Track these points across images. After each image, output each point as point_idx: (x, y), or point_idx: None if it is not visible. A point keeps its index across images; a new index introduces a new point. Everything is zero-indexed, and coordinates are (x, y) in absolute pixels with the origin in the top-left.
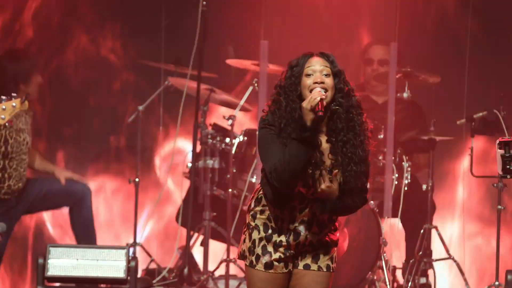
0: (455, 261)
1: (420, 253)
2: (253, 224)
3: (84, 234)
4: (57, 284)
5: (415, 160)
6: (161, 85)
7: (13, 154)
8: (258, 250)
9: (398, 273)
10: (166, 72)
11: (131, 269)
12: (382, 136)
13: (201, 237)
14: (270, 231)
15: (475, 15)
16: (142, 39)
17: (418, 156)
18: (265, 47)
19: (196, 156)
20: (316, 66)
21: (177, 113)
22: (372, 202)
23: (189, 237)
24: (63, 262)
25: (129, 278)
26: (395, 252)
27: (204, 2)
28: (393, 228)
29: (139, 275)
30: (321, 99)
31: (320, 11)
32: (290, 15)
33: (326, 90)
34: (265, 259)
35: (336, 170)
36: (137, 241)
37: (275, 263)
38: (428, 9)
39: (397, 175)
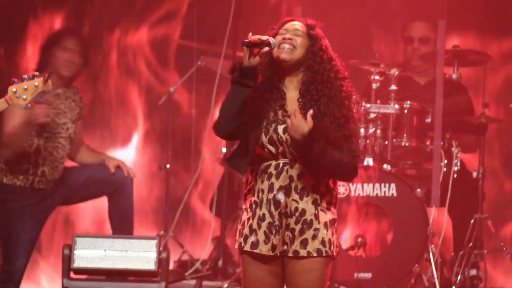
0: (508, 253)
1: (470, 244)
2: (243, 206)
3: (120, 225)
4: (84, 277)
5: (464, 140)
6: (193, 65)
7: (49, 134)
8: (246, 231)
9: (447, 266)
10: (199, 51)
11: (162, 261)
12: (429, 120)
13: (236, 227)
14: (254, 206)
15: None
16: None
17: (468, 136)
18: None
19: (231, 141)
20: (289, 26)
21: (210, 94)
22: (418, 190)
23: (223, 227)
24: (90, 253)
25: (160, 270)
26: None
27: None
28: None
29: (170, 267)
30: (261, 39)
31: None
32: None
33: (294, 47)
34: (251, 238)
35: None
36: (169, 231)
37: (261, 242)
38: None
39: (445, 162)
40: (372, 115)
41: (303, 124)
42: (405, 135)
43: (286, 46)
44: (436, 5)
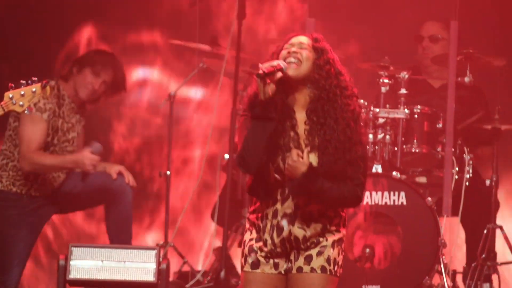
0: None
1: (483, 255)
2: (247, 226)
3: (118, 234)
4: None
5: (477, 152)
6: (195, 67)
7: (57, 148)
8: (246, 250)
9: (459, 278)
10: (201, 53)
11: (161, 272)
12: (440, 125)
13: (239, 237)
14: (257, 229)
15: None
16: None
17: (481, 148)
18: (311, 26)
19: (234, 147)
20: (294, 41)
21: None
22: (429, 198)
23: (226, 237)
24: (86, 263)
25: (159, 282)
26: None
27: None
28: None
29: (170, 278)
30: (273, 66)
31: None
32: None
33: (299, 60)
34: (251, 257)
35: (308, 149)
36: (169, 241)
37: (262, 260)
38: None
39: (457, 169)
40: (381, 120)
41: (300, 164)
42: (415, 141)
43: (291, 59)
44: (448, 6)
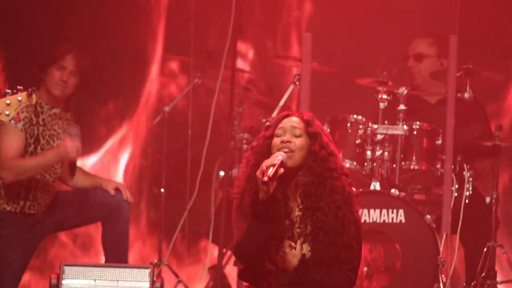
0: None
1: (483, 274)
2: None
3: (114, 251)
4: None
5: (477, 168)
6: (189, 83)
7: None
8: None
9: None
10: (195, 68)
11: None
12: (440, 142)
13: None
14: None
15: None
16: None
17: (481, 163)
18: (308, 40)
19: (229, 164)
20: (285, 124)
21: (207, 114)
22: (428, 216)
23: (221, 255)
24: (79, 283)
25: None
26: None
27: None
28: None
29: None
30: (273, 165)
31: None
32: (336, 5)
33: (291, 151)
34: None
35: (301, 239)
36: (163, 259)
37: None
38: None
39: (457, 186)
40: (379, 137)
41: (291, 257)
42: (414, 157)
43: (285, 150)
44: (447, 21)
